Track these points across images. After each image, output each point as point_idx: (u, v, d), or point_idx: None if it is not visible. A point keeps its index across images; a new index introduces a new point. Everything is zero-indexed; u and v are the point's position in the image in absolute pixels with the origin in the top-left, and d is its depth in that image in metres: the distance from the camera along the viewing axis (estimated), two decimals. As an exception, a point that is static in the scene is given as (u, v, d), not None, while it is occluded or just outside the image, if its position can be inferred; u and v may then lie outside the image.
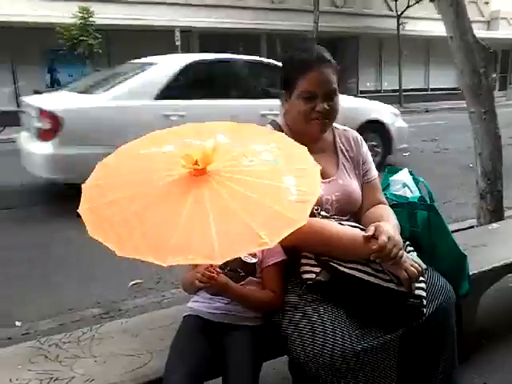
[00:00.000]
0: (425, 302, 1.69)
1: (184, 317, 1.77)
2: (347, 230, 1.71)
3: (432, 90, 25.36)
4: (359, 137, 2.03)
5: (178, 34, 15.93)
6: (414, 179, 2.24)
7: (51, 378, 1.58)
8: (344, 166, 1.94)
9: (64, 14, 14.59)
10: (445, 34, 3.87)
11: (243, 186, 1.33)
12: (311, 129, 1.83)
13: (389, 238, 1.59)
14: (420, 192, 2.18)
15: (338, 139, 1.98)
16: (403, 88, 21.67)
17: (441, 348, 1.81)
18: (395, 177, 2.26)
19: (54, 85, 17.74)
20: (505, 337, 2.75)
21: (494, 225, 3.34)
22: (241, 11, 18.94)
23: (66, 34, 14.40)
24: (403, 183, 2.22)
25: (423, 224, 1.98)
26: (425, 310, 1.69)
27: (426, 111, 20.37)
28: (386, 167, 2.32)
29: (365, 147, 2.02)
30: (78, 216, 1.31)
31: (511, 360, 2.54)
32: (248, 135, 1.62)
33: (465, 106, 3.98)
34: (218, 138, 1.51)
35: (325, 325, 1.59)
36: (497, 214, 3.98)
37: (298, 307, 1.68)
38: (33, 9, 15.35)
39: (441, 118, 16.90)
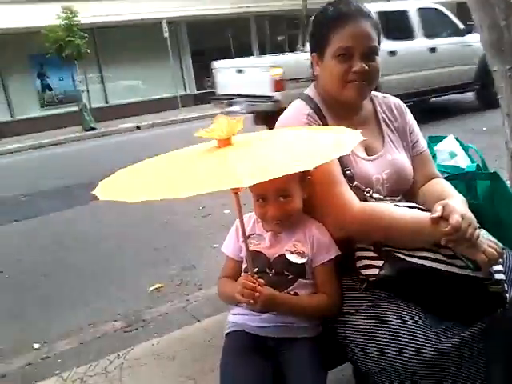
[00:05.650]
0: (506, 286, 1.43)
1: (227, 334, 1.51)
2: (410, 213, 1.45)
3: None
4: (402, 103, 1.75)
5: (165, 25, 15.43)
6: (463, 146, 1.97)
7: (81, 423, 1.34)
8: (390, 138, 1.66)
9: (47, 16, 14.11)
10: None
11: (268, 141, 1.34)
12: (347, 93, 1.54)
13: (462, 217, 1.33)
14: (472, 160, 1.92)
15: (378, 108, 1.70)
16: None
17: None
18: (440, 146, 1.99)
19: (46, 90, 17.36)
20: None
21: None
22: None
23: (52, 37, 13.93)
24: (450, 152, 1.95)
25: (485, 195, 1.72)
26: (507, 296, 1.43)
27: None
28: (428, 136, 2.04)
29: (409, 115, 1.74)
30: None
31: None
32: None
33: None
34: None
35: (397, 327, 1.34)
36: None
37: (359, 310, 1.42)
38: (14, 13, 14.92)
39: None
